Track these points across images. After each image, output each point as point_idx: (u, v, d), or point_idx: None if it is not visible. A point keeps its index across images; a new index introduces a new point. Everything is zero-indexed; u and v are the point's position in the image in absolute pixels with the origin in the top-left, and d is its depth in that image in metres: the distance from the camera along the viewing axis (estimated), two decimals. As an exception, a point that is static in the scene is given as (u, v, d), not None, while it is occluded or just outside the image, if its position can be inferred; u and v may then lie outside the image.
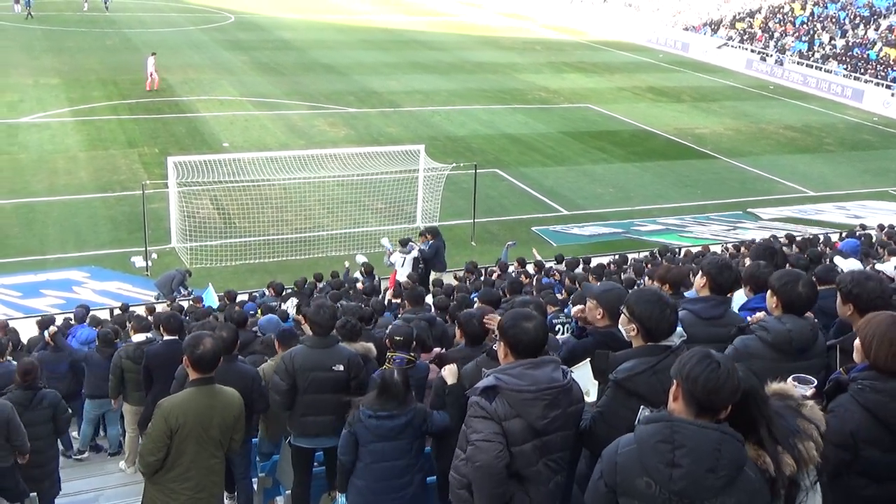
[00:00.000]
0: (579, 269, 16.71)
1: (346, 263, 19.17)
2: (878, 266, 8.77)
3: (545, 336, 4.43)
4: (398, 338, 7.25)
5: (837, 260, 7.98)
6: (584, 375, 4.79)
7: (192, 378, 5.63)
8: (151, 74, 37.58)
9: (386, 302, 15.21)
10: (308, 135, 32.77)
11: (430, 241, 18.62)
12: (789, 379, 4.17)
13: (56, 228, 22.99)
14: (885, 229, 20.00)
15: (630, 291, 5.08)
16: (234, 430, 5.77)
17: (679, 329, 4.56)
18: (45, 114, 33.64)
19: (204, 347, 5.55)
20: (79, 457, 11.14)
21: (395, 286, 16.81)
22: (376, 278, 17.78)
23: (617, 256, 19.05)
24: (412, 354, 7.24)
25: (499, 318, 5.92)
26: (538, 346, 4.35)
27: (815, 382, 4.17)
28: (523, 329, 4.32)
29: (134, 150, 29.68)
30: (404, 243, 18.66)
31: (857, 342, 4.13)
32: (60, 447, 9.80)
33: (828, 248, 16.05)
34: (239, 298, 16.03)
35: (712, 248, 20.02)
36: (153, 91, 37.26)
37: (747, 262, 7.68)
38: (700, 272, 5.91)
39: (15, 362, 9.68)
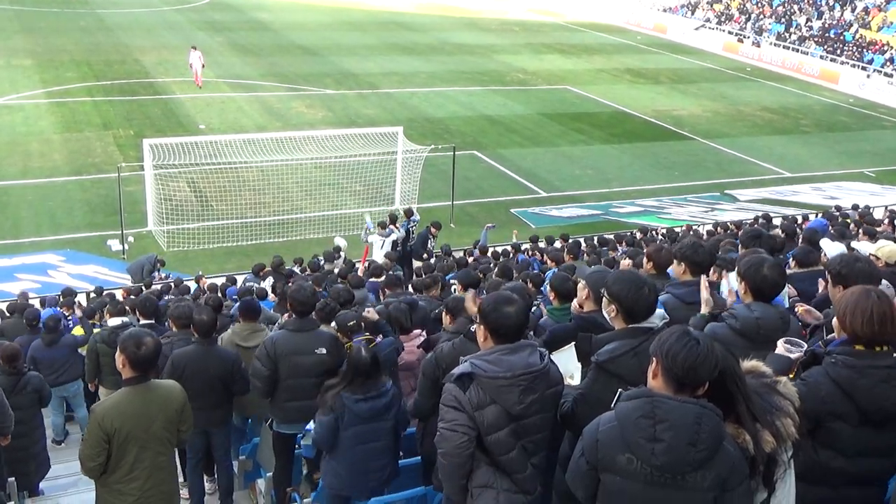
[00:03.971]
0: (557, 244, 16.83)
1: (321, 259, 18.98)
2: (854, 244, 8.85)
3: (526, 320, 4.42)
4: (350, 323, 7.28)
5: (824, 244, 8.03)
6: (568, 358, 4.80)
7: (127, 377, 5.38)
8: (191, 66, 35.87)
9: (360, 272, 15.26)
10: (285, 117, 32.58)
11: (433, 232, 19.19)
12: (780, 341, 4.22)
13: (30, 212, 22.76)
14: (860, 209, 20.19)
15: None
16: (181, 423, 5.58)
17: (661, 311, 4.58)
18: (17, 95, 33.21)
19: (146, 347, 5.29)
20: (56, 447, 11.07)
21: (370, 264, 16.82)
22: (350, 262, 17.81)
23: (596, 238, 19.11)
24: (367, 335, 7.25)
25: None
26: (518, 330, 4.34)
27: (805, 346, 4.24)
28: (504, 314, 4.29)
29: (109, 132, 29.40)
30: (383, 226, 18.90)
31: (835, 318, 4.19)
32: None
33: (798, 228, 16.19)
34: (222, 283, 16.01)
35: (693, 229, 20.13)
36: (199, 86, 35.69)
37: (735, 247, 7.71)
38: (675, 260, 5.95)
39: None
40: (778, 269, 4.95)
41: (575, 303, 5.82)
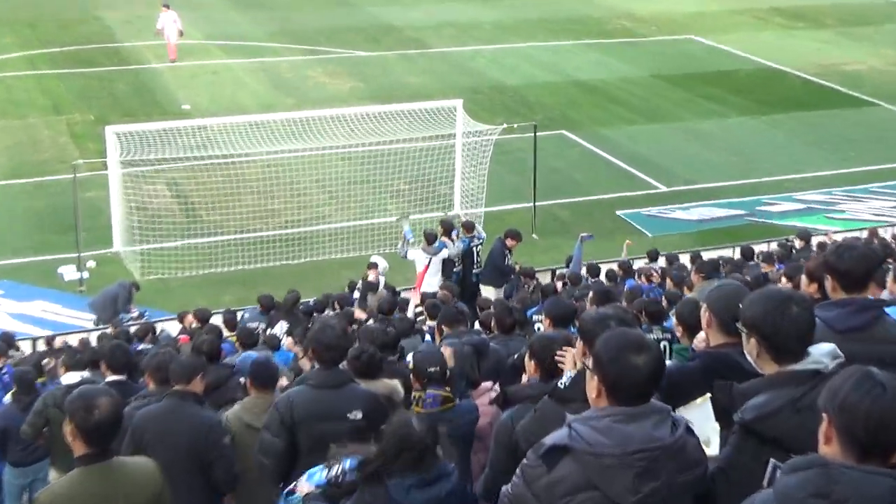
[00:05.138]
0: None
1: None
2: None
3: (660, 375, 4.25)
4: (432, 369, 7.14)
5: None
6: (701, 418, 4.72)
7: (79, 454, 5.26)
8: (162, 32, 35.10)
9: (413, 314, 15.24)
10: (300, 90, 32.97)
11: (510, 245, 18.89)
12: None
13: (-45, 230, 23.28)
14: None
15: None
16: None
17: (831, 346, 4.48)
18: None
19: (100, 411, 5.14)
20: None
21: (422, 297, 16.76)
22: (399, 293, 17.78)
23: (738, 250, 18.91)
24: (448, 390, 7.20)
25: (573, 350, 5.84)
26: (648, 388, 4.19)
27: None
28: (631, 364, 4.13)
29: (60, 117, 30.01)
30: (430, 239, 18.71)
31: None
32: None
33: None
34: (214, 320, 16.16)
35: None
36: (174, 60, 35.44)
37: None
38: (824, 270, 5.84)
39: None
40: None
41: (699, 336, 5.74)
